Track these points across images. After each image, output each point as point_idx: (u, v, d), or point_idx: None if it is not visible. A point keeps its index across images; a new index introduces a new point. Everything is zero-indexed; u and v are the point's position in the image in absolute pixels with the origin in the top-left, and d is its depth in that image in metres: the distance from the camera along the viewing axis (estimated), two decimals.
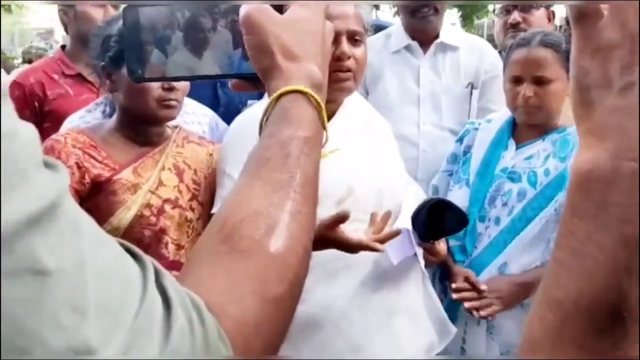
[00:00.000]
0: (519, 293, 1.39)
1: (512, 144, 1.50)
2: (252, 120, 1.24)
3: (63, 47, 2.08)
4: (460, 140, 1.61)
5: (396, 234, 1.15)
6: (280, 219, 0.42)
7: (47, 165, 0.29)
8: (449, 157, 1.62)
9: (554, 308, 0.32)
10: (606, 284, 0.30)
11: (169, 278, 0.35)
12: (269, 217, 0.42)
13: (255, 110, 1.29)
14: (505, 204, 1.44)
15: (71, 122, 1.52)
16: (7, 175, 0.26)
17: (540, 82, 1.39)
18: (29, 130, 0.28)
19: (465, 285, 1.42)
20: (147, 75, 0.54)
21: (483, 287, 1.39)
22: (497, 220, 1.45)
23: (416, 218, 1.23)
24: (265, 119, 0.48)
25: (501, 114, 1.57)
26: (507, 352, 1.43)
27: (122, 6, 0.55)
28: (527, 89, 1.39)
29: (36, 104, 1.92)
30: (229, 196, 0.45)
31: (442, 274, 1.55)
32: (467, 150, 1.57)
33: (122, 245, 0.34)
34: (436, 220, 1.24)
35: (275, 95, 0.47)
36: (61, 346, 0.26)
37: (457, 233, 1.36)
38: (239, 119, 1.32)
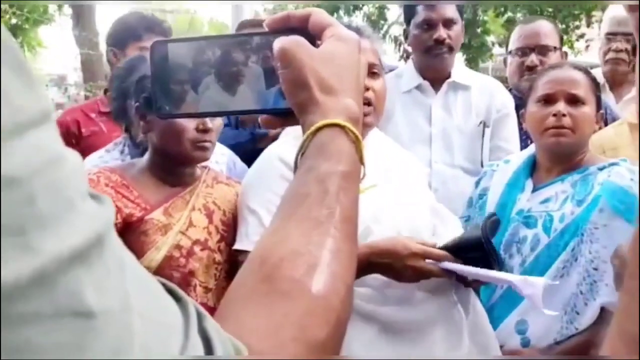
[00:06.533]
0: None
1: (529, 185, 1.44)
2: (274, 157, 1.24)
3: (105, 91, 2.14)
4: (477, 183, 1.57)
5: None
6: (321, 257, 0.40)
7: (92, 197, 0.27)
8: (466, 202, 1.58)
9: (627, 343, 0.29)
10: None
11: (211, 322, 0.33)
12: (310, 255, 0.40)
13: (279, 146, 1.27)
14: (519, 252, 1.38)
15: (90, 162, 1.53)
16: (50, 205, 0.23)
17: (574, 101, 1.34)
18: (76, 157, 0.26)
19: None
20: (176, 112, 0.54)
21: None
22: (510, 271, 1.37)
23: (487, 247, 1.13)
24: (301, 153, 0.47)
25: (520, 154, 1.53)
26: None
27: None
28: (561, 107, 1.33)
29: (73, 141, 1.98)
30: (266, 234, 0.43)
31: None
32: (484, 193, 1.52)
33: (163, 285, 0.32)
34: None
35: (313, 128, 0.46)
36: None
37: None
38: (263, 156, 1.31)
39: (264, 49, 0.52)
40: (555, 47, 1.96)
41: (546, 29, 1.99)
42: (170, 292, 0.32)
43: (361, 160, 0.48)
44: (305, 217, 0.42)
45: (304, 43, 0.49)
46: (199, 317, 0.32)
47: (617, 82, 2.21)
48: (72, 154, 0.26)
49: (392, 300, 1.16)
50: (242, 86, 0.53)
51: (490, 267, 1.12)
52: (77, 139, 1.98)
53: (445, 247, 1.14)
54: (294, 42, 0.48)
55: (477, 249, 1.12)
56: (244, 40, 0.53)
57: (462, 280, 1.19)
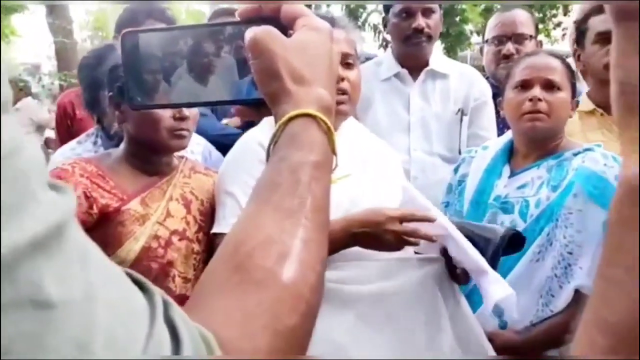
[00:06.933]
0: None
1: (506, 171, 1.46)
2: (253, 141, 1.23)
3: None
4: (456, 169, 1.59)
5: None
6: (293, 246, 0.41)
7: (52, 187, 0.26)
8: (446, 188, 1.60)
9: (604, 331, 0.29)
10: None
11: (178, 311, 0.33)
12: (281, 244, 0.41)
13: (256, 131, 1.27)
14: None
15: (62, 154, 1.50)
16: (9, 194, 0.23)
17: (550, 86, 1.37)
18: (35, 148, 0.26)
19: None
20: (148, 102, 0.53)
21: None
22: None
23: (492, 253, 1.16)
24: (273, 143, 0.47)
25: (498, 140, 1.55)
26: None
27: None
28: (537, 92, 1.35)
29: (68, 122, 2.01)
30: (239, 222, 0.44)
31: None
32: (463, 180, 1.54)
33: (129, 275, 0.32)
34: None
35: (284, 118, 0.46)
36: None
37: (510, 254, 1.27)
38: (241, 141, 1.31)
39: (237, 39, 0.52)
40: (530, 36, 1.98)
41: (522, 18, 2.01)
42: (136, 282, 0.32)
43: (333, 151, 0.48)
44: (278, 206, 0.43)
45: (276, 33, 0.48)
46: (165, 306, 0.32)
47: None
48: (31, 144, 0.26)
49: (373, 289, 1.16)
50: (214, 77, 0.52)
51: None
52: (72, 120, 2.00)
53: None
54: (266, 32, 0.48)
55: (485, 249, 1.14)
56: (216, 31, 0.53)
57: (453, 275, 1.21)
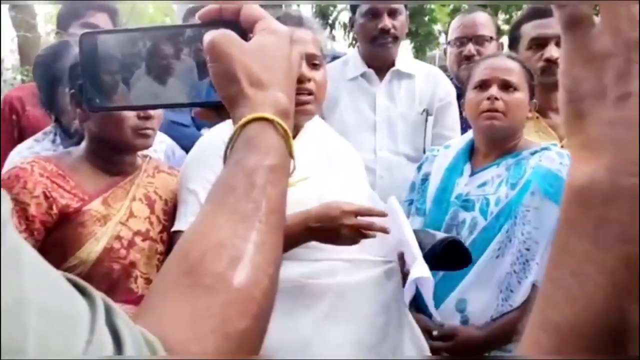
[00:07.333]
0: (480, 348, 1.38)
1: (467, 169, 1.50)
2: (216, 139, 1.24)
3: None
4: (419, 168, 1.62)
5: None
6: (245, 250, 0.41)
7: None
8: (410, 186, 1.62)
9: (549, 332, 0.30)
10: (606, 306, 0.28)
11: (121, 315, 0.33)
12: (233, 248, 0.41)
13: (220, 129, 1.27)
14: (458, 235, 1.42)
15: (19, 154, 1.47)
16: None
17: (507, 87, 1.41)
18: None
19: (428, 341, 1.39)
20: (106, 104, 0.53)
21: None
22: None
23: (428, 255, 1.20)
24: (230, 146, 0.47)
25: (460, 139, 1.58)
26: None
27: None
28: (494, 92, 1.40)
29: (14, 117, 1.91)
30: (193, 225, 0.44)
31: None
32: (426, 178, 1.57)
33: (70, 280, 0.31)
34: (442, 255, 1.22)
35: (241, 122, 0.46)
36: None
37: (456, 270, 1.34)
38: (203, 138, 1.30)
39: (196, 42, 0.52)
40: (491, 37, 2.03)
41: (482, 20, 2.06)
42: (77, 287, 0.32)
43: (291, 154, 0.48)
44: (232, 210, 0.43)
45: (234, 37, 0.49)
46: (107, 310, 0.32)
47: None
48: None
49: (338, 283, 1.19)
50: (174, 79, 0.53)
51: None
52: (18, 115, 1.91)
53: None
54: (223, 36, 0.48)
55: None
56: (176, 33, 0.53)
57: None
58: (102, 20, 1.89)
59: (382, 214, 1.16)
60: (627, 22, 0.29)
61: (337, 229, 1.12)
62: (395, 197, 1.26)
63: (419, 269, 1.14)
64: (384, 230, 1.16)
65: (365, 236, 1.15)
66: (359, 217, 1.14)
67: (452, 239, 1.28)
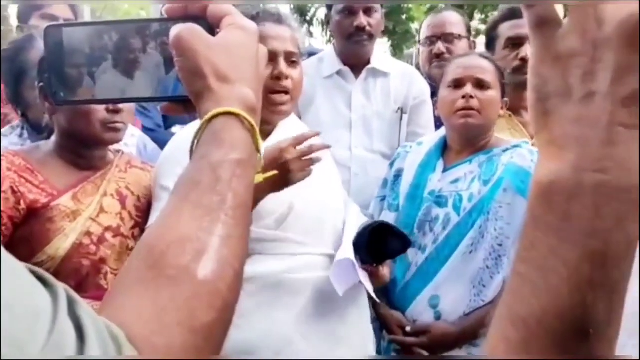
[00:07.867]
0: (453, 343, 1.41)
1: (440, 165, 1.51)
2: (189, 137, 1.23)
3: None
4: (391, 164, 1.63)
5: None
6: (210, 243, 0.41)
7: None
8: (382, 182, 1.64)
9: (517, 326, 0.30)
10: (571, 300, 0.29)
11: (84, 307, 0.33)
12: (198, 242, 0.41)
13: (194, 126, 1.26)
14: (431, 231, 1.44)
15: None
16: None
17: (480, 85, 1.44)
18: None
19: (401, 337, 1.42)
20: (72, 98, 0.52)
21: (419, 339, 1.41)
22: (424, 248, 1.45)
23: (358, 242, 1.23)
24: (196, 141, 0.47)
25: (433, 136, 1.60)
26: None
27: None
28: (469, 90, 1.42)
29: None
30: (158, 219, 0.44)
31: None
32: (398, 174, 1.58)
33: (32, 272, 0.31)
34: (378, 243, 1.24)
35: (207, 117, 0.46)
36: None
37: (400, 255, 1.36)
38: (177, 135, 1.29)
39: (163, 36, 0.52)
40: (460, 35, 2.06)
41: (452, 19, 2.09)
42: (40, 279, 0.32)
43: (257, 149, 0.48)
44: (197, 203, 0.43)
45: (200, 31, 0.49)
46: (70, 302, 0.32)
47: None
48: None
49: (318, 277, 1.20)
50: (140, 73, 0.52)
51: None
52: None
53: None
54: (189, 31, 0.48)
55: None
56: (143, 27, 0.53)
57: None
58: (61, 10, 1.85)
59: (316, 134, 1.17)
60: (593, 23, 0.30)
61: (285, 166, 1.11)
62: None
63: (341, 253, 1.18)
64: (326, 146, 1.18)
65: (312, 162, 1.14)
66: (298, 148, 1.14)
67: (380, 223, 1.30)
